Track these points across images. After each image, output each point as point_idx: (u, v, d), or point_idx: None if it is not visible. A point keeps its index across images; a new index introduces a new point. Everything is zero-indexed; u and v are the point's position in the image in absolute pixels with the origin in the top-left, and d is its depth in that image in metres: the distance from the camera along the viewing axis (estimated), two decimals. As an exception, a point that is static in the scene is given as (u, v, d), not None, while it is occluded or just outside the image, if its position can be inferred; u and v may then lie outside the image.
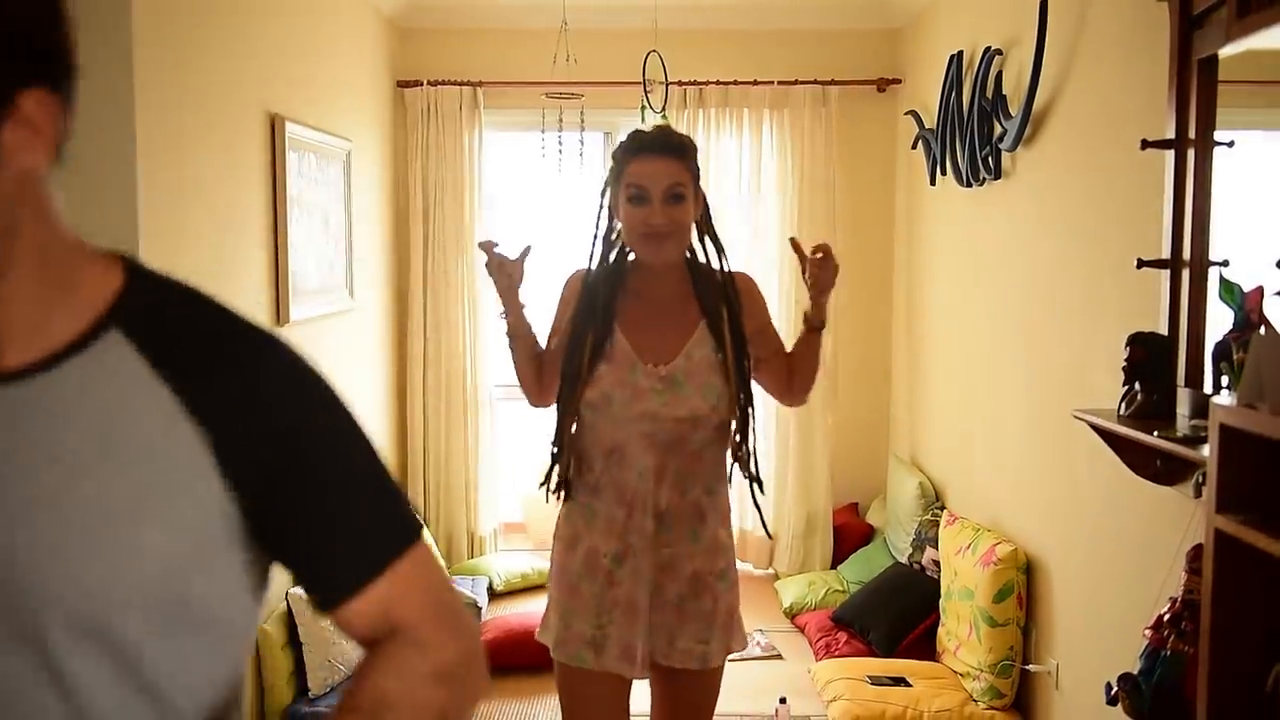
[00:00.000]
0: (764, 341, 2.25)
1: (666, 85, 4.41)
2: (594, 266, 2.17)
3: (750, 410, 2.18)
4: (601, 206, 2.16)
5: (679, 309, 2.15)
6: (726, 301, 2.15)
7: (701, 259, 2.20)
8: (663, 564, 2.13)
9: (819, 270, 2.17)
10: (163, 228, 2.53)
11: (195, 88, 2.74)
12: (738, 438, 2.20)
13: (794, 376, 2.28)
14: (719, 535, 2.18)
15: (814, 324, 2.23)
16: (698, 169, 2.12)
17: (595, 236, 2.18)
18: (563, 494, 2.21)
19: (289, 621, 3.26)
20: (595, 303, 2.12)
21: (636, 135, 2.11)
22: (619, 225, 2.14)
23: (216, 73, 2.88)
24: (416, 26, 4.98)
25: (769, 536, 2.38)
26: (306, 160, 3.58)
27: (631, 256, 2.17)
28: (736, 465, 2.24)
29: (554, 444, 2.21)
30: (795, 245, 2.28)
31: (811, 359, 2.27)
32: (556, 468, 2.20)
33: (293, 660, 3.29)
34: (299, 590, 3.27)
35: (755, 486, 2.26)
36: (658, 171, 2.04)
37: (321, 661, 3.30)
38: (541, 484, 2.23)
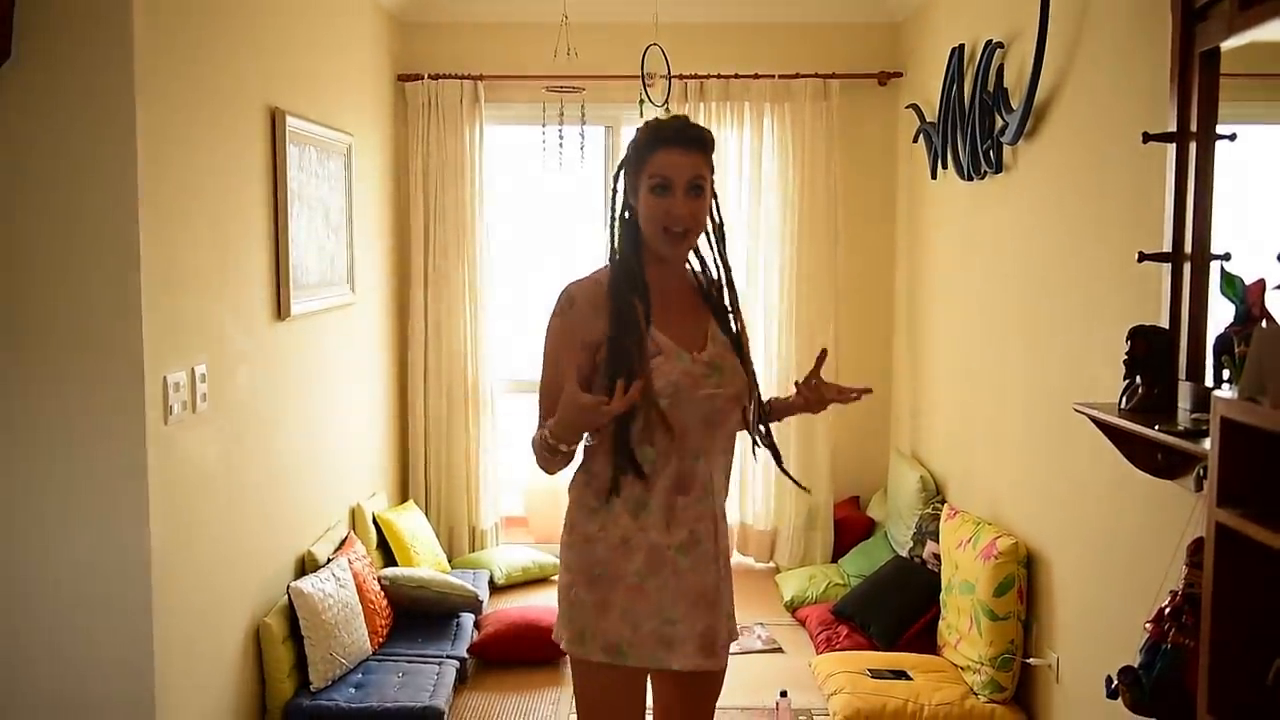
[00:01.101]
0: None
1: (669, 79, 4.40)
2: (616, 247, 2.17)
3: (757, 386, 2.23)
4: (616, 191, 2.18)
5: (689, 299, 2.19)
6: (720, 287, 2.20)
7: (704, 250, 2.22)
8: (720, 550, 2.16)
9: (820, 392, 2.20)
10: (163, 222, 2.52)
11: (196, 82, 2.73)
12: (753, 414, 2.22)
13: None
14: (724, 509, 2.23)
15: (776, 408, 2.30)
16: (713, 163, 2.15)
17: (612, 219, 2.19)
18: (607, 494, 2.11)
19: (290, 615, 3.26)
20: (636, 293, 2.09)
21: (661, 125, 2.12)
22: (631, 210, 2.16)
23: (217, 67, 2.87)
24: (417, 20, 4.97)
25: (805, 490, 2.42)
26: (307, 154, 3.58)
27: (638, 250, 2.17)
28: (758, 441, 2.25)
29: (620, 452, 2.05)
30: (818, 366, 2.21)
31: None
32: (619, 472, 2.08)
33: (294, 654, 3.29)
34: (300, 584, 3.30)
35: (776, 458, 2.27)
36: (682, 163, 2.06)
37: (323, 655, 3.31)
38: (610, 492, 2.08)
